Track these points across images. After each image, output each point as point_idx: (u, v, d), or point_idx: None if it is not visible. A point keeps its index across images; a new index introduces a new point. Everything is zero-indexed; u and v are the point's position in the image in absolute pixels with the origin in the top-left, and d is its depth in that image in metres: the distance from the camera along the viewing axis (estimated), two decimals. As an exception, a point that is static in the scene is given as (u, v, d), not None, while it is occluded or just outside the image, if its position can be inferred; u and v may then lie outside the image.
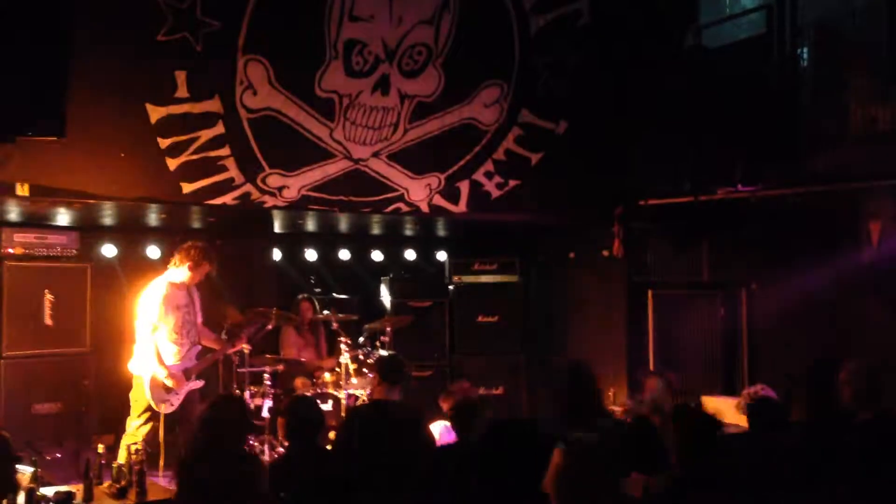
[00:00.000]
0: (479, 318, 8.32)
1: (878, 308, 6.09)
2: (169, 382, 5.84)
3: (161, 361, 5.84)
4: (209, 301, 6.60)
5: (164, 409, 5.88)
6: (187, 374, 6.02)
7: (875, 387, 4.10)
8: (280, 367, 7.06)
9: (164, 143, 5.63)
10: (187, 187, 5.91)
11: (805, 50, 6.73)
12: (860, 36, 6.49)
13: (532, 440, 3.17)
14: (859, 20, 6.57)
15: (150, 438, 5.76)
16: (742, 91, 6.67)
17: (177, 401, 5.95)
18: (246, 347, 6.66)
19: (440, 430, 6.48)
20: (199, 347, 6.18)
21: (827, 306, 6.31)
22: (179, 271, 6.06)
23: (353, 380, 7.06)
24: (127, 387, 6.03)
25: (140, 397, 5.89)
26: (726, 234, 7.17)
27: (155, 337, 5.87)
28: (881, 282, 6.07)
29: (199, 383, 6.14)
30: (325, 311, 7.61)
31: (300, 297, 7.72)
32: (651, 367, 7.05)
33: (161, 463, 5.73)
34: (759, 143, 6.51)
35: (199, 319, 6.28)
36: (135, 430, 5.85)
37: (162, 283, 6.01)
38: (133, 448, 5.39)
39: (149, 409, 5.86)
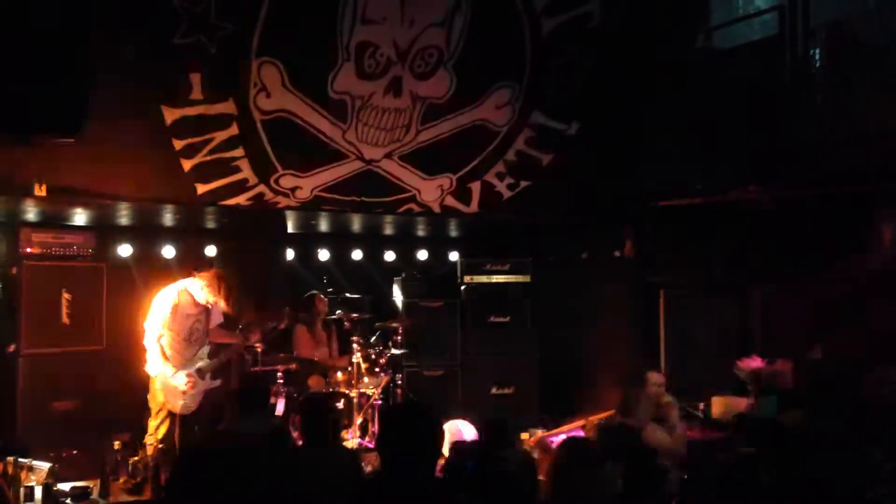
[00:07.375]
0: (491, 318, 8.32)
1: (891, 309, 6.06)
2: (176, 382, 5.88)
3: (168, 361, 5.89)
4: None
5: (180, 410, 5.92)
6: (201, 373, 6.05)
7: None
8: (293, 367, 7.12)
9: (178, 144, 5.71)
10: (202, 188, 5.99)
11: (818, 51, 6.70)
12: (873, 37, 6.46)
13: None
14: (872, 21, 6.54)
15: (167, 438, 5.82)
16: (754, 92, 6.64)
17: (193, 401, 5.99)
18: (259, 346, 6.70)
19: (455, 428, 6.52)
20: (209, 347, 6.21)
21: (839, 307, 6.29)
22: (197, 287, 6.09)
23: (365, 379, 7.12)
24: (142, 384, 6.10)
25: (155, 397, 5.95)
26: (738, 235, 7.15)
27: (161, 341, 5.92)
28: (893, 283, 6.05)
29: (216, 383, 6.18)
30: (338, 311, 7.67)
31: (313, 292, 7.73)
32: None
33: (176, 463, 5.75)
34: (771, 144, 6.49)
35: (212, 326, 6.31)
36: (154, 430, 5.91)
37: (175, 290, 6.03)
38: (150, 446, 5.48)
39: (164, 408, 5.92)
